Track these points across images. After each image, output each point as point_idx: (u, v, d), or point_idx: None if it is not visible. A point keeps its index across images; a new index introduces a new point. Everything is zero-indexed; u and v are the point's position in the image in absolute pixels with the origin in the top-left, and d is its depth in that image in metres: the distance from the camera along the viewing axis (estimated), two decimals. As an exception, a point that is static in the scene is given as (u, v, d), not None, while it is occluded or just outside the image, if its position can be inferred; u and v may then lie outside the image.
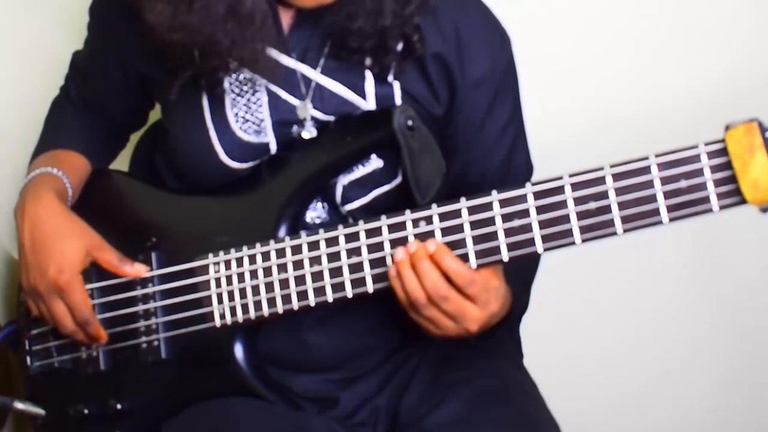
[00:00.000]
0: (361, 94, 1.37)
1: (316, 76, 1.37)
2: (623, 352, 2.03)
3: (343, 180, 1.37)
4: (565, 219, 1.18)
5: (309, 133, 1.38)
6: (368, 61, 1.35)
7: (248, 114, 1.39)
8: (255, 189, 1.38)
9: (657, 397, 2.04)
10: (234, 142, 1.39)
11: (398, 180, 1.38)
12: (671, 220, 1.14)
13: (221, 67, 1.34)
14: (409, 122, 1.31)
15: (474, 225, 1.23)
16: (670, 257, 1.99)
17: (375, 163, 1.37)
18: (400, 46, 1.34)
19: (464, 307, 1.23)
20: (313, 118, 1.38)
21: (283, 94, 1.38)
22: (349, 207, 1.39)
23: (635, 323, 2.02)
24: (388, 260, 1.26)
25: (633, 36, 1.88)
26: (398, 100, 1.37)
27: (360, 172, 1.37)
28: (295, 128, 1.38)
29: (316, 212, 1.40)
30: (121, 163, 1.67)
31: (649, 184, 1.14)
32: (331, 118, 1.37)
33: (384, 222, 1.26)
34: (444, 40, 1.36)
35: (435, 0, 1.34)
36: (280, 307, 1.33)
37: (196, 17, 1.28)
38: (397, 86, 1.37)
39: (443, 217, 1.24)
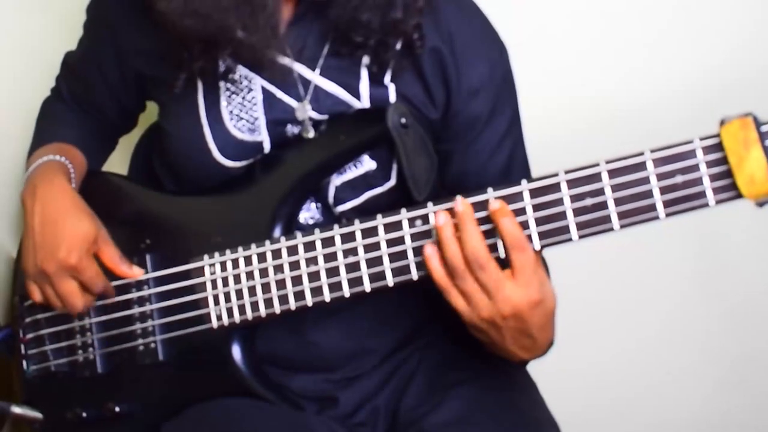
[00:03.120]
0: (356, 95, 1.36)
1: (313, 76, 1.37)
2: (624, 353, 2.02)
3: (336, 181, 1.37)
4: (562, 216, 1.17)
5: (307, 133, 1.37)
6: (366, 60, 1.35)
7: (243, 112, 1.39)
8: (249, 189, 1.37)
9: (658, 398, 2.04)
10: (228, 139, 1.39)
11: (391, 183, 1.37)
12: (668, 215, 1.13)
13: (231, 57, 1.34)
14: (403, 120, 1.30)
15: (471, 223, 1.22)
16: (672, 259, 1.98)
17: (368, 164, 1.37)
18: (398, 45, 1.33)
19: (500, 281, 1.18)
20: (310, 118, 1.37)
21: (279, 93, 1.38)
22: (341, 208, 1.38)
23: (636, 324, 2.01)
24: (385, 259, 1.26)
25: (627, 31, 1.88)
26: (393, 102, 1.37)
27: (353, 173, 1.37)
28: (289, 127, 1.38)
29: (309, 212, 1.39)
30: (121, 164, 1.67)
31: (645, 180, 1.14)
32: (325, 117, 1.37)
33: (380, 221, 1.26)
34: (441, 39, 1.35)
35: None
36: (277, 308, 1.32)
37: (209, 2, 1.28)
38: (392, 88, 1.36)
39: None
